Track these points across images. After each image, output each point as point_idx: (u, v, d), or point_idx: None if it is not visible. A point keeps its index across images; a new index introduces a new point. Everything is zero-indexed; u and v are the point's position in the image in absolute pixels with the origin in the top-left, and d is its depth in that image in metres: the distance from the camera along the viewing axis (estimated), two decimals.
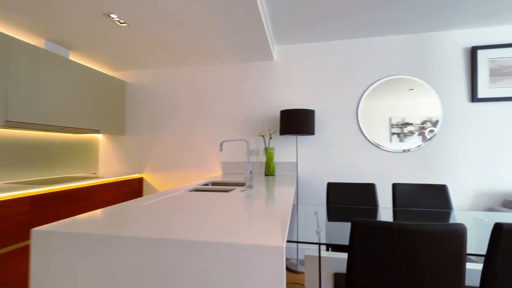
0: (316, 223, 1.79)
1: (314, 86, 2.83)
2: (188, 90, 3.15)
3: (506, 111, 2.46)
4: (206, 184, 2.16)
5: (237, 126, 3.01)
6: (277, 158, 2.90)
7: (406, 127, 2.48)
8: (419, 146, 2.58)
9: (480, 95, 2.48)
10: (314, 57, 2.84)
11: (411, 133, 2.48)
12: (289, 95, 2.89)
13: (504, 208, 2.35)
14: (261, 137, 2.95)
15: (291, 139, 2.87)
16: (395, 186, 2.06)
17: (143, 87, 3.29)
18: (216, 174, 3.05)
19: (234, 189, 1.79)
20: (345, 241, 1.28)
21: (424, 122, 2.46)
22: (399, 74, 2.66)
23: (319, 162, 2.80)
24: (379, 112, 2.64)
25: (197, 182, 2.10)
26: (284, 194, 1.61)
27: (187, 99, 3.15)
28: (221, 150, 1.84)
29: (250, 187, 1.79)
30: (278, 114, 2.90)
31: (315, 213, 1.87)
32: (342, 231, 1.57)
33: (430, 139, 2.58)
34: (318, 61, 2.83)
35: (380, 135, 2.64)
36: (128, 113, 3.32)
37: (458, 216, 1.77)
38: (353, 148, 2.73)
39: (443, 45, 2.59)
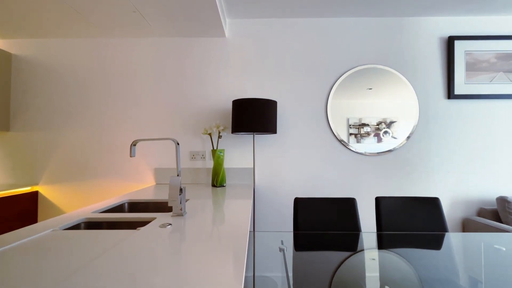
0: (283, 263, 1.20)
1: (275, 72, 2.27)
2: (108, 71, 2.30)
3: (482, 111, 2.24)
4: (119, 206, 1.40)
5: (175, 121, 2.27)
6: (228, 163, 2.26)
7: (362, 127, 2.11)
8: (393, 148, 2.22)
9: (457, 91, 2.22)
10: (275, 36, 2.28)
11: (367, 134, 2.11)
12: (244, 81, 2.27)
13: (480, 218, 2.10)
14: (207, 136, 2.27)
15: (246, 138, 2.26)
16: (378, 201, 1.60)
17: (40, 62, 2.32)
18: (146, 185, 2.27)
19: (154, 218, 1.09)
20: None
21: (379, 123, 2.12)
22: (373, 64, 2.26)
23: (283, 168, 2.24)
24: (337, 111, 2.21)
25: (102, 204, 1.34)
26: (238, 221, 0.98)
27: (106, 82, 2.30)
28: (132, 155, 1.13)
29: (180, 215, 1.11)
30: (230, 106, 2.27)
31: (281, 250, 1.28)
32: (318, 278, 1.01)
33: (409, 137, 2.24)
34: (280, 42, 2.28)
35: (343, 136, 2.22)
36: (15, 100, 2.31)
37: (465, 242, 1.37)
38: (324, 151, 2.24)
39: (421, 31, 2.26)
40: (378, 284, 1.03)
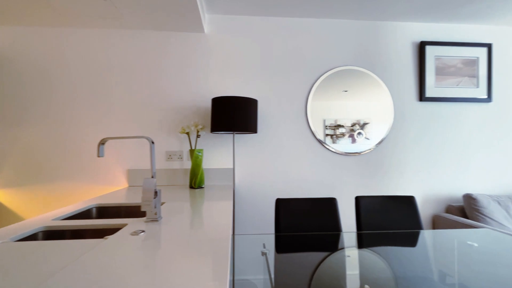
0: (265, 266, 1.16)
1: (256, 71, 2.23)
2: (75, 63, 2.12)
3: (450, 113, 2.37)
4: (86, 212, 1.28)
5: (150, 119, 2.15)
6: (207, 164, 2.18)
7: (338, 129, 2.15)
8: (370, 148, 2.27)
9: (428, 94, 2.33)
10: (256, 34, 2.24)
11: (342, 135, 2.16)
12: (224, 79, 2.20)
13: (448, 214, 2.22)
14: (185, 135, 2.17)
15: (226, 138, 2.20)
16: (358, 200, 1.62)
17: None
18: (118, 187, 2.12)
19: (125, 224, 0.99)
20: None
21: (353, 125, 2.18)
22: (351, 65, 2.30)
23: (263, 168, 2.21)
24: (315, 112, 2.24)
25: (66, 210, 1.20)
26: (218, 224, 0.91)
27: (72, 75, 2.11)
28: (100, 155, 1.02)
29: (155, 220, 1.03)
30: (209, 104, 2.19)
31: (264, 253, 1.24)
32: (300, 279, 0.99)
33: (384, 137, 2.31)
34: (261, 41, 2.24)
35: (320, 136, 2.25)
36: None
37: (438, 238, 1.42)
38: (304, 152, 2.24)
39: (395, 36, 2.35)
40: (358, 283, 1.02)
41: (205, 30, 2.18)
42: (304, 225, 1.52)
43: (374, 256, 1.21)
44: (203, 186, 2.00)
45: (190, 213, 1.18)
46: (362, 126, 2.29)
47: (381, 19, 2.30)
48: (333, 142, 2.27)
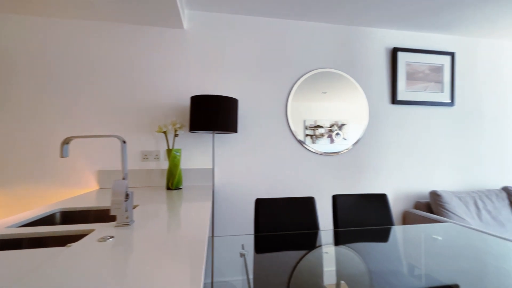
0: (244, 267, 1.15)
1: (237, 70, 2.21)
2: (39, 55, 1.96)
3: (419, 115, 2.53)
4: (49, 217, 1.19)
5: (124, 117, 2.05)
6: (185, 164, 2.12)
7: (317, 129, 2.22)
8: (346, 149, 2.35)
9: (399, 97, 2.46)
10: (238, 33, 2.22)
11: (322, 135, 2.23)
12: (204, 77, 2.16)
13: (416, 210, 2.36)
14: (162, 134, 2.10)
15: (205, 137, 2.16)
16: (335, 199, 1.66)
17: None
18: (88, 190, 2.00)
19: (92, 230, 0.93)
20: None
21: (332, 125, 2.26)
22: (330, 68, 2.36)
23: (244, 168, 2.20)
24: (295, 113, 2.28)
25: (25, 215, 1.11)
26: (196, 226, 0.89)
27: (36, 67, 1.95)
28: (64, 155, 0.95)
29: (126, 224, 0.98)
30: (188, 102, 2.14)
31: (242, 254, 1.24)
32: (279, 278, 1.00)
33: (360, 138, 2.40)
34: (242, 40, 2.23)
35: (300, 136, 2.29)
36: None
37: (408, 233, 1.50)
38: (284, 152, 2.27)
39: (370, 42, 2.45)
40: (334, 279, 1.05)
41: (185, 26, 2.13)
42: (283, 224, 1.53)
43: (350, 252, 1.25)
44: (181, 187, 1.94)
45: (166, 215, 1.14)
46: (340, 127, 2.37)
47: (358, 24, 2.39)
48: (313, 142, 2.32)
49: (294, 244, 1.36)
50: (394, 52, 2.45)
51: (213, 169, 1.99)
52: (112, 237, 0.84)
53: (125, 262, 0.65)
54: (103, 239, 0.81)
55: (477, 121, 2.65)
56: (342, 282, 1.05)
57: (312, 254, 1.24)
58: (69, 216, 1.27)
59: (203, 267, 0.64)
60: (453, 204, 2.20)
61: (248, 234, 1.50)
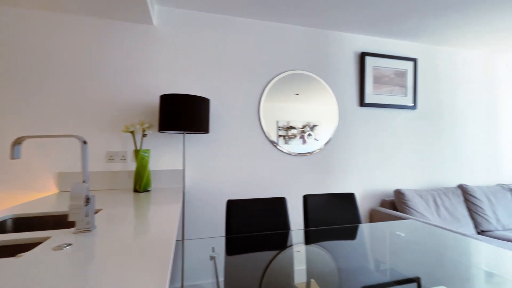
0: (213, 272, 1.13)
1: (209, 69, 2.17)
2: None
3: (385, 118, 2.66)
4: (0, 223, 1.07)
5: (88, 116, 1.92)
6: (154, 165, 2.04)
7: (290, 130, 2.27)
8: (317, 149, 2.41)
9: (367, 100, 2.57)
10: (210, 31, 2.18)
11: (294, 136, 2.28)
12: (174, 76, 2.09)
13: (382, 208, 2.49)
14: (129, 134, 2.00)
15: (176, 138, 2.09)
16: (306, 198, 1.69)
17: None
18: (46, 193, 1.84)
19: (47, 238, 0.86)
20: None
21: (304, 126, 2.32)
22: (302, 70, 2.41)
23: (215, 169, 2.16)
24: (268, 114, 2.30)
25: None
26: (163, 230, 0.84)
27: None
28: (15, 156, 0.86)
29: (87, 230, 0.91)
30: (157, 101, 2.06)
31: (212, 257, 1.21)
32: (250, 280, 0.99)
33: (330, 139, 2.47)
34: (215, 39, 2.19)
35: (273, 137, 2.32)
36: None
37: (373, 230, 1.57)
38: (256, 152, 2.26)
39: (340, 46, 2.53)
40: (305, 277, 1.07)
41: (154, 22, 2.04)
42: (254, 225, 1.53)
43: (320, 251, 1.28)
44: (149, 189, 1.86)
45: (132, 219, 1.09)
46: (312, 128, 2.42)
47: (329, 28, 2.46)
48: (286, 143, 2.35)
49: (265, 244, 1.36)
50: (362, 57, 2.56)
51: (183, 170, 1.93)
52: (70, 244, 0.78)
53: (84, 271, 0.60)
54: (59, 247, 0.75)
55: (436, 124, 2.86)
56: (312, 280, 1.07)
57: (283, 254, 1.25)
58: (23, 223, 1.16)
59: (169, 272, 0.61)
60: (415, 202, 2.35)
61: (219, 236, 1.47)
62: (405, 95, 2.70)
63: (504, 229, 2.49)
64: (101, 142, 1.94)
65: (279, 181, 2.32)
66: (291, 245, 1.35)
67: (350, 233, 1.53)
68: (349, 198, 1.76)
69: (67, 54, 1.89)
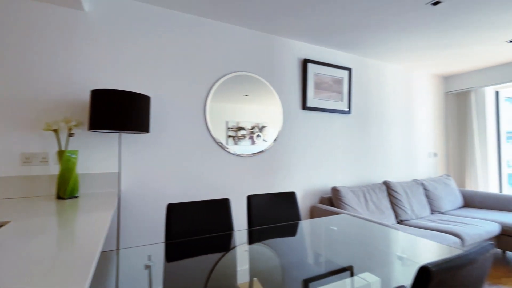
0: (151, 279, 1.06)
1: (150, 65, 2.03)
2: None
3: (324, 121, 2.88)
4: None
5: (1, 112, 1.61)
6: (83, 168, 1.82)
7: (239, 131, 2.31)
8: (264, 150, 2.48)
9: (309, 104, 2.75)
10: (153, 25, 2.04)
11: (243, 136, 2.34)
12: (109, 70, 1.90)
13: (321, 204, 2.69)
14: (51, 133, 1.74)
15: (110, 137, 1.90)
16: (250, 199, 1.72)
17: None
18: None
19: None
20: None
21: (253, 127, 2.40)
22: (249, 72, 2.45)
23: (156, 172, 2.03)
24: (217, 114, 2.29)
25: None
26: (87, 241, 0.74)
27: None
28: None
29: None
30: (87, 96, 1.84)
31: (147, 266, 1.13)
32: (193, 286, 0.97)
33: (275, 140, 2.56)
34: (158, 33, 2.06)
35: (222, 138, 2.31)
36: None
37: (312, 226, 1.67)
38: (202, 153, 2.21)
39: (286, 51, 2.65)
40: (247, 277, 1.08)
41: (86, 8, 1.82)
42: (197, 229, 1.49)
43: (263, 249, 1.31)
44: (76, 195, 1.65)
45: (50, 231, 0.94)
46: (261, 129, 2.48)
47: (275, 33, 2.55)
48: (235, 144, 2.35)
49: (207, 248, 1.34)
50: (305, 63, 2.72)
51: (119, 173, 1.77)
52: None
53: None
54: None
55: (366, 127, 3.21)
56: (255, 279, 1.08)
57: (226, 256, 1.24)
58: None
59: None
60: (348, 197, 2.60)
61: (158, 243, 1.39)
62: (341, 100, 2.97)
63: (417, 218, 2.93)
64: (14, 142, 1.65)
65: (226, 183, 2.31)
66: (234, 247, 1.35)
67: (291, 230, 1.60)
68: (290, 196, 1.85)
69: None
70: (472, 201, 3.43)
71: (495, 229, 2.63)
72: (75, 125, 1.66)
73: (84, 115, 1.82)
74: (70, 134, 1.68)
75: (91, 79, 1.84)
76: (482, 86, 3.68)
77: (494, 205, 3.24)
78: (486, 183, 3.64)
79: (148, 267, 1.11)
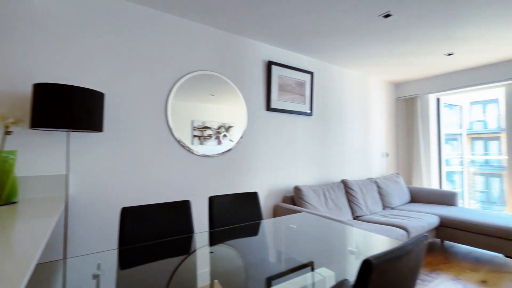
0: None
1: (105, 59, 1.89)
2: None
3: (287, 122, 2.97)
4: None
5: None
6: (24, 170, 1.63)
7: (205, 130, 2.29)
8: (228, 150, 2.47)
9: (273, 105, 2.80)
10: (108, 15, 1.90)
11: (209, 136, 2.32)
12: (57, 62, 1.73)
13: (284, 203, 2.76)
14: None
15: (56, 137, 1.73)
16: (211, 200, 1.70)
17: None
18: None
19: None
20: None
21: (219, 127, 2.40)
22: (214, 71, 2.41)
23: (111, 173, 1.90)
24: (182, 113, 2.23)
25: None
26: (21, 252, 0.66)
27: None
28: None
29: None
30: (28, 90, 1.65)
31: (96, 276, 1.05)
32: None
33: (240, 141, 2.56)
34: (114, 24, 1.93)
35: (187, 137, 2.26)
36: None
37: (274, 225, 1.71)
38: (162, 154, 2.12)
39: (251, 52, 2.67)
40: (208, 280, 1.06)
41: None
42: (154, 233, 1.42)
43: (224, 250, 1.30)
44: (15, 201, 1.47)
45: None
46: (227, 129, 2.46)
47: (240, 34, 2.56)
48: (201, 143, 2.30)
49: (165, 252, 1.29)
50: (269, 65, 2.77)
51: (67, 175, 1.61)
52: None
53: None
54: None
55: (326, 129, 3.38)
56: (216, 281, 1.07)
57: (186, 259, 1.21)
58: None
59: None
60: (309, 196, 2.71)
61: (111, 250, 1.30)
62: (304, 103, 3.09)
63: (371, 213, 3.17)
64: None
65: (188, 184, 2.25)
66: (194, 250, 1.32)
67: (252, 230, 1.62)
68: (252, 197, 1.86)
69: None
70: (417, 197, 3.81)
71: (435, 221, 2.95)
72: (13, 123, 1.48)
73: (25, 112, 1.63)
74: (7, 133, 1.49)
75: (34, 71, 1.66)
76: (426, 93, 4.11)
77: (435, 199, 3.64)
78: (429, 180, 4.07)
79: (96, 276, 1.03)
